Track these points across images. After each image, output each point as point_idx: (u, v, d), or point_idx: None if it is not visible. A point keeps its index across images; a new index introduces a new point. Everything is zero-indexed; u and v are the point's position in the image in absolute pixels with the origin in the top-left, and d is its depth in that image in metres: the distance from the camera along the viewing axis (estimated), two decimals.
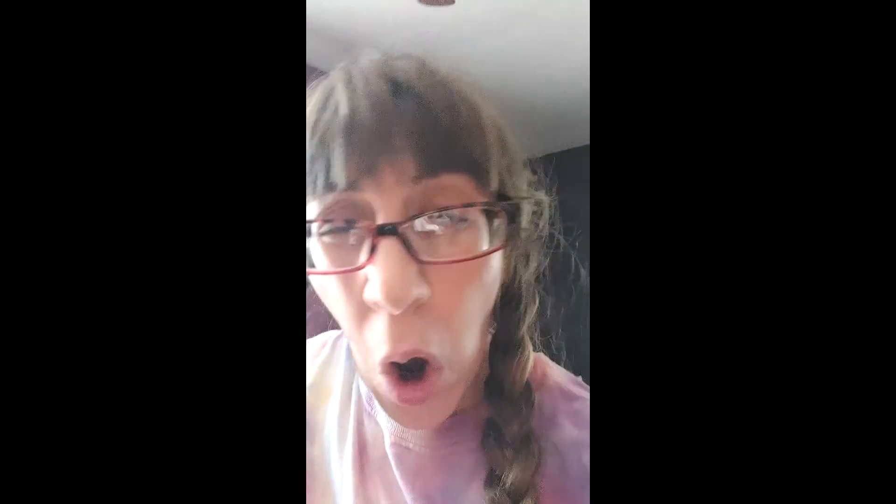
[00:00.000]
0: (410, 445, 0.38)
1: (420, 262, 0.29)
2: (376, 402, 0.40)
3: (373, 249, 0.29)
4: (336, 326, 0.38)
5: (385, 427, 0.39)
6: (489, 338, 0.41)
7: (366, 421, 0.41)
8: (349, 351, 0.45)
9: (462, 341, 0.32)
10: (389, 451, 0.39)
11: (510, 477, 0.34)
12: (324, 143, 0.29)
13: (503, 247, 0.31)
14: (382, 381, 0.31)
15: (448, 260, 0.30)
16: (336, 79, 0.31)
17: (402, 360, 0.30)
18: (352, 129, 0.29)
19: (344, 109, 0.29)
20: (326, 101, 0.30)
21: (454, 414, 0.39)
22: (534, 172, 0.38)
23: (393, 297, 0.28)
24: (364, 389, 0.42)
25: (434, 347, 0.30)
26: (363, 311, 0.30)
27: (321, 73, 0.32)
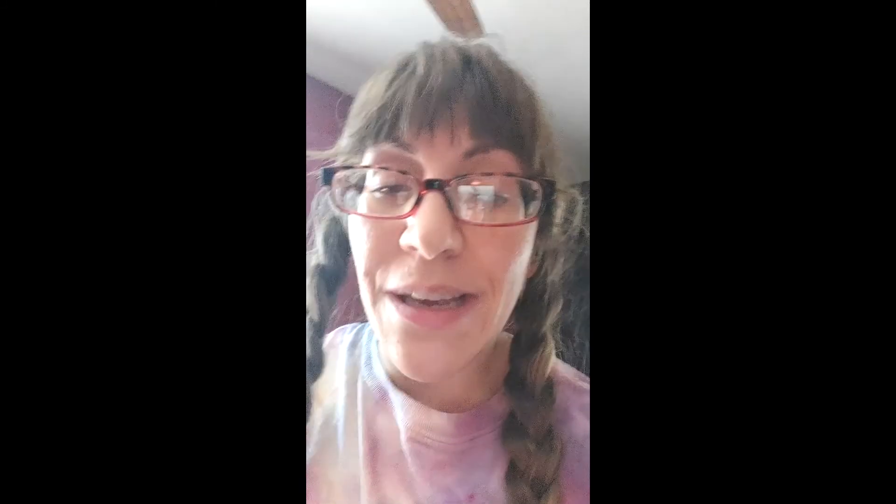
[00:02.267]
0: (428, 441, 0.38)
1: (458, 220, 0.32)
2: (391, 395, 0.40)
3: (418, 201, 0.31)
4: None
5: (401, 422, 0.39)
6: (509, 333, 0.42)
7: (378, 418, 0.40)
8: (350, 349, 0.45)
9: (496, 286, 0.33)
10: (405, 447, 0.38)
11: (533, 471, 0.35)
12: (396, 97, 0.32)
13: (535, 219, 0.33)
14: (392, 309, 0.33)
15: (482, 223, 0.32)
16: (418, 50, 0.35)
17: (427, 295, 0.32)
18: (423, 86, 0.32)
19: (420, 70, 0.32)
20: (406, 65, 0.34)
21: (472, 407, 0.39)
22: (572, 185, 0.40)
23: (428, 242, 0.30)
24: (372, 385, 0.42)
25: (466, 285, 0.32)
26: (394, 253, 0.33)
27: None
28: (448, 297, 0.32)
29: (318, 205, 0.42)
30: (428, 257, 0.31)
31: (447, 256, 0.32)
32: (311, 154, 0.37)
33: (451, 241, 0.31)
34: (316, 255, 0.42)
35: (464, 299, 0.33)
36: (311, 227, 0.42)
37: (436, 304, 0.32)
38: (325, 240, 0.42)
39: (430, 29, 1.44)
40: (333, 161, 0.36)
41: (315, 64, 2.02)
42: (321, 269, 0.41)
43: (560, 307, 0.39)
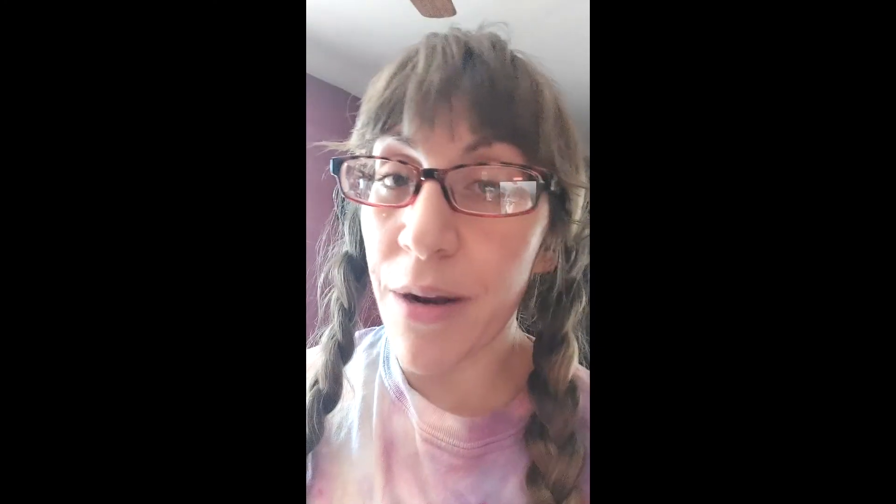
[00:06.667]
0: (441, 444, 0.38)
1: (455, 210, 0.31)
2: (407, 396, 0.40)
3: (416, 190, 0.31)
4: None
5: (416, 423, 0.39)
6: (530, 337, 0.41)
7: (394, 418, 0.40)
8: (369, 349, 0.45)
9: (489, 289, 0.33)
10: (420, 448, 0.38)
11: (554, 475, 0.34)
12: (395, 93, 0.32)
13: (530, 212, 0.32)
14: (395, 304, 0.33)
15: (479, 213, 0.32)
16: (421, 44, 0.34)
17: (421, 294, 0.32)
18: (422, 82, 0.32)
19: (420, 66, 0.32)
20: (407, 60, 0.34)
21: (488, 412, 0.38)
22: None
23: (420, 242, 0.30)
24: (390, 384, 0.42)
25: (458, 288, 0.32)
26: (394, 250, 0.33)
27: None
28: (442, 296, 0.32)
29: (338, 194, 0.42)
30: (422, 258, 0.31)
31: (441, 256, 0.32)
32: (330, 144, 0.38)
33: (443, 242, 0.31)
34: (344, 243, 0.43)
35: (455, 300, 0.33)
36: (334, 216, 0.43)
37: (431, 302, 0.33)
38: (350, 229, 0.42)
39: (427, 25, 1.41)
40: (346, 151, 0.37)
41: (316, 63, 1.97)
42: (349, 257, 0.42)
43: (583, 305, 0.38)
